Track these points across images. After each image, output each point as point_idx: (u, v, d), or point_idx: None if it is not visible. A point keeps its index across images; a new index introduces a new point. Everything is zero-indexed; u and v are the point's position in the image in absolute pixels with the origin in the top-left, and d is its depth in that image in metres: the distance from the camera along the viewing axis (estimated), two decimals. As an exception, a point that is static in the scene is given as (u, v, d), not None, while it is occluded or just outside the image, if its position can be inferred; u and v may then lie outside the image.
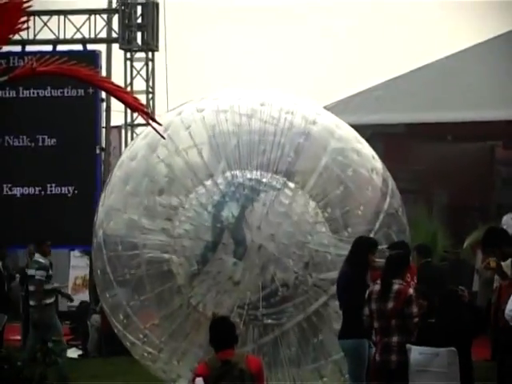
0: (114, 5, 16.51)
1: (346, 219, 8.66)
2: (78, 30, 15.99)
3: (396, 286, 6.84)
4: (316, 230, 8.44)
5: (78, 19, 16.26)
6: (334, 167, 8.65)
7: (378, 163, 9.21)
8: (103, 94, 14.27)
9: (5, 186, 15.00)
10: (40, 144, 14.95)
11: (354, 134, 9.28)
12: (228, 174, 8.62)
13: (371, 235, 8.32)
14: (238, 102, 8.88)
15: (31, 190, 15.08)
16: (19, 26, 5.80)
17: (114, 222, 9.16)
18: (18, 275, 15.20)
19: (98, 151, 15.15)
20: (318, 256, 8.45)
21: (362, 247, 7.83)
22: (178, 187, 8.76)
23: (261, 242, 8.14)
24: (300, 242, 8.28)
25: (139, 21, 16.20)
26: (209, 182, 8.54)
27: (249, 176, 8.51)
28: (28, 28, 7.65)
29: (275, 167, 8.44)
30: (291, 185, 8.49)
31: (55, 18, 15.95)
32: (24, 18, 5.80)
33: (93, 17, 16.39)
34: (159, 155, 8.74)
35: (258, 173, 8.49)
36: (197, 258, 8.48)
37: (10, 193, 15.29)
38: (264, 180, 8.48)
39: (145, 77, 16.67)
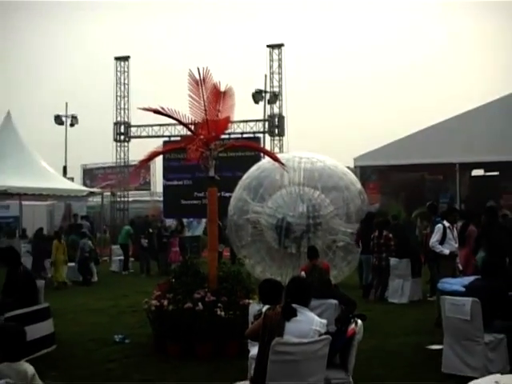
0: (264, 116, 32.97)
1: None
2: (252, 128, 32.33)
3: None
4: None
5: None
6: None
7: (358, 185, 18.46)
8: (261, 154, 25.20)
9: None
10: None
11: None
12: (291, 188, 17.69)
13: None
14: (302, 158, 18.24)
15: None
16: (226, 129, 11.51)
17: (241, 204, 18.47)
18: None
19: None
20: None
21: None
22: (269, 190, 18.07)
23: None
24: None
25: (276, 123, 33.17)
26: (281, 191, 17.79)
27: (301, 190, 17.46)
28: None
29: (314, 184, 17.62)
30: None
31: (242, 124, 32.07)
32: (229, 125, 11.64)
33: (260, 123, 32.70)
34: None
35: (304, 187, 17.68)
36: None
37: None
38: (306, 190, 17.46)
39: (278, 145, 33.35)
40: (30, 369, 5.01)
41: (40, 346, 9.97)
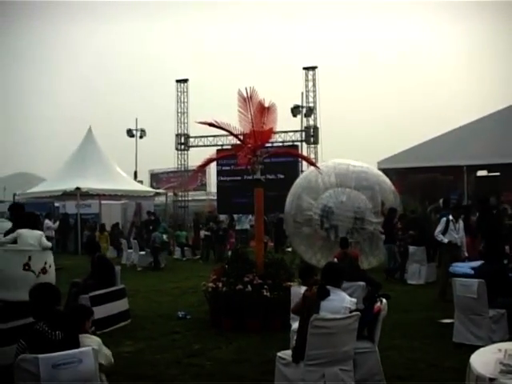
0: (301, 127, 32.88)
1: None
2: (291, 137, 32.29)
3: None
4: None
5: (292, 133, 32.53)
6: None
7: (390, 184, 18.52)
8: (299, 159, 27.36)
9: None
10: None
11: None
12: (333, 190, 17.86)
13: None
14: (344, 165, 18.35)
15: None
16: (270, 139, 11.54)
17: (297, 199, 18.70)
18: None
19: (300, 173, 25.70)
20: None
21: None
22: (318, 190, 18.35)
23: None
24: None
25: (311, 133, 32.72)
26: (326, 192, 17.97)
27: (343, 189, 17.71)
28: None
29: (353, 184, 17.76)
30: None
31: (282, 134, 32.01)
32: (272, 135, 11.62)
33: (298, 133, 32.58)
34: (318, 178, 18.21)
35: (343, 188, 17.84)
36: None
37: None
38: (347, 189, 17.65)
39: (314, 152, 33.08)
40: (96, 339, 5.07)
41: (118, 320, 10.16)
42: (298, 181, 19.98)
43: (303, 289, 6.59)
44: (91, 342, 4.81)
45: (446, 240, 12.95)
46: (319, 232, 17.84)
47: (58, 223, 22.88)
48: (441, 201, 16.75)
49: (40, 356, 4.12)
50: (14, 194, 30.19)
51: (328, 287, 5.85)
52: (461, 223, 13.26)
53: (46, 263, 8.14)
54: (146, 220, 26.64)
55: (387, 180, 18.92)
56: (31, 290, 4.84)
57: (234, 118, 10.87)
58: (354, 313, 5.74)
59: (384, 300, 6.51)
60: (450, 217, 13.11)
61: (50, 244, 8.83)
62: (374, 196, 17.93)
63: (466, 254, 13.23)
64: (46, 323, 4.50)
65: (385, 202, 17.63)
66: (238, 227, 29.99)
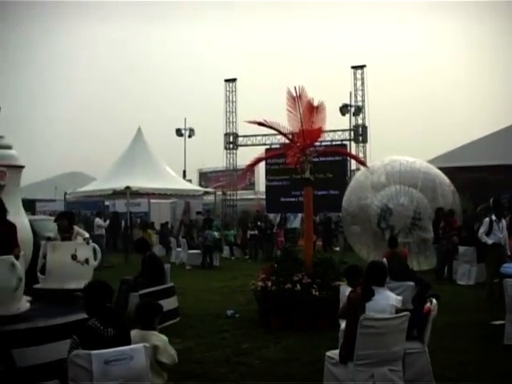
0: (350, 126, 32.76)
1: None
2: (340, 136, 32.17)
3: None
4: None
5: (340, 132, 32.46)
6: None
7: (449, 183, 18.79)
8: (348, 158, 27.79)
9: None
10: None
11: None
12: (391, 187, 18.15)
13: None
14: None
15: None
16: (319, 138, 11.55)
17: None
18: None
19: (347, 179, 26.62)
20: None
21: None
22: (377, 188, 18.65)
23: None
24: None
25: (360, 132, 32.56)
26: (388, 189, 18.24)
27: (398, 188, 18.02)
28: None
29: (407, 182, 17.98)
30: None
31: (331, 133, 31.89)
32: (321, 135, 11.60)
33: (346, 132, 32.50)
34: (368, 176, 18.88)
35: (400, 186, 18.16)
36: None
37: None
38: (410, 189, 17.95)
39: (362, 151, 32.76)
40: (163, 338, 5.12)
41: (167, 318, 10.18)
42: (355, 178, 20.01)
43: (349, 289, 6.56)
44: (157, 340, 4.88)
45: (490, 241, 12.84)
46: (375, 230, 17.77)
47: (108, 222, 23.18)
48: (491, 200, 16.52)
49: (93, 352, 4.21)
50: (65, 193, 30.77)
51: (372, 287, 5.84)
52: (504, 222, 13.15)
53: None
54: (202, 219, 26.67)
55: (447, 179, 18.88)
56: (85, 287, 4.94)
57: (283, 117, 10.90)
58: (404, 313, 5.70)
59: (434, 300, 6.45)
60: (493, 217, 13.01)
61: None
62: (435, 197, 17.97)
63: (509, 253, 13.05)
64: (99, 320, 4.59)
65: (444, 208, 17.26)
66: (287, 226, 30.04)
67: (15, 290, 6.67)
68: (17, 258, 6.80)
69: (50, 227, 10.17)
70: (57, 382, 4.77)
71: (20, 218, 8.11)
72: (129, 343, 4.60)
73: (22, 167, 8.38)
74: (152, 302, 5.68)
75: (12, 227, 7.24)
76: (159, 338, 5.03)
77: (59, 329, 6.51)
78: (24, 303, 7.02)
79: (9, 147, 8.45)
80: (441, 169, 19.61)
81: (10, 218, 7.50)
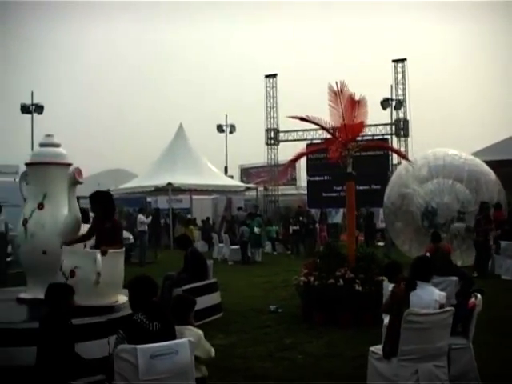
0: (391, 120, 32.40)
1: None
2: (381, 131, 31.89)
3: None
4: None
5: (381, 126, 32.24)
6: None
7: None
8: (390, 153, 27.56)
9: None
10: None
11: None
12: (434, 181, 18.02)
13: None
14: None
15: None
16: (361, 132, 11.50)
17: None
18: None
19: (388, 174, 25.73)
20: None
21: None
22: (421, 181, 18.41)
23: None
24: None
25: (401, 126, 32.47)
26: (431, 184, 18.19)
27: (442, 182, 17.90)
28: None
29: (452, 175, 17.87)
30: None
31: (372, 127, 31.74)
32: (363, 129, 11.67)
33: (388, 126, 32.15)
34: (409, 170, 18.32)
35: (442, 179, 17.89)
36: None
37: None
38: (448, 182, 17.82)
39: (404, 145, 32.84)
40: (198, 332, 5.15)
41: (210, 313, 10.30)
42: (397, 172, 19.85)
43: (391, 285, 6.52)
44: (191, 335, 4.92)
45: None
46: (418, 226, 17.62)
47: (150, 218, 23.42)
48: None
49: (138, 347, 4.25)
50: (108, 190, 31.05)
51: (417, 282, 5.79)
52: None
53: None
54: (243, 214, 26.67)
55: (492, 172, 18.61)
56: (129, 282, 4.99)
57: (324, 112, 10.88)
58: (449, 308, 5.64)
59: (479, 295, 6.37)
60: None
61: None
62: (479, 190, 17.75)
63: None
64: (144, 314, 4.64)
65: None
66: (328, 221, 29.95)
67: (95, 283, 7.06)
68: (103, 253, 7.18)
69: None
70: (103, 376, 4.82)
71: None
72: (174, 337, 4.64)
73: (70, 165, 8.53)
74: (186, 296, 5.73)
75: (116, 225, 7.82)
76: (194, 333, 5.05)
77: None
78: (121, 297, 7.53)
79: (57, 145, 8.66)
80: (485, 162, 19.31)
81: (60, 214, 7.96)
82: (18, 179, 9.92)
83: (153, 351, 4.25)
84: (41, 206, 8.31)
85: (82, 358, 5.02)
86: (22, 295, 8.43)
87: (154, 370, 4.24)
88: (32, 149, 30.20)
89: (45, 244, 8.13)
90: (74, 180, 7.95)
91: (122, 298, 7.46)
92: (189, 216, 30.30)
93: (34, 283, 8.21)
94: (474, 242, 16.23)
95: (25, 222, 8.28)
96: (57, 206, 8.38)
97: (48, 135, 8.79)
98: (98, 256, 7.10)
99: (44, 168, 8.50)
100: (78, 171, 7.99)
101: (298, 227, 24.42)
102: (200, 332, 5.13)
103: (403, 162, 17.45)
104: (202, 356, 5.00)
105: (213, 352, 5.16)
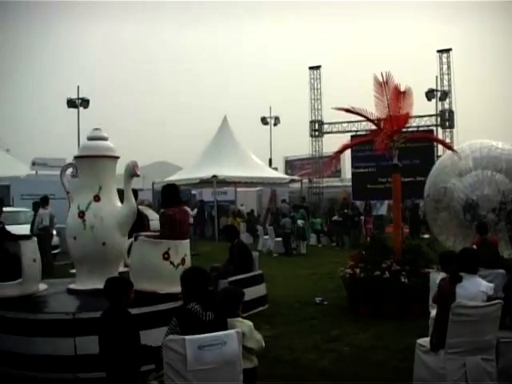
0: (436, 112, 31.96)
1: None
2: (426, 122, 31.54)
3: None
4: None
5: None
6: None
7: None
8: (435, 144, 28.08)
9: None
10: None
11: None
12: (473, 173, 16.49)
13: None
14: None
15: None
16: (406, 124, 11.21)
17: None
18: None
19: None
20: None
21: None
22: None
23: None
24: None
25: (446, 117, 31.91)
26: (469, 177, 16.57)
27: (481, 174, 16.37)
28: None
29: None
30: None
31: (417, 119, 31.37)
32: (409, 120, 11.47)
33: (433, 117, 31.79)
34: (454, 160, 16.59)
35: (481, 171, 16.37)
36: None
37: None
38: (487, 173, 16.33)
39: (449, 136, 32.37)
40: (248, 323, 5.18)
41: (256, 304, 10.35)
42: (439, 163, 19.51)
43: (442, 275, 6.46)
44: (243, 327, 4.96)
45: None
46: (460, 219, 17.35)
47: (195, 210, 23.58)
48: None
49: (187, 337, 4.29)
50: (153, 183, 31.47)
51: (462, 274, 5.71)
52: None
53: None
54: (286, 207, 26.68)
55: None
56: (185, 272, 5.02)
57: (368, 104, 10.83)
58: (497, 301, 5.57)
59: (528, 288, 6.28)
60: None
61: None
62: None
63: None
64: (199, 304, 4.68)
65: None
66: (373, 213, 29.78)
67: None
68: None
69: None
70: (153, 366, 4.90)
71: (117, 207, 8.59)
72: (225, 328, 4.67)
73: (118, 158, 8.68)
74: (234, 288, 5.75)
75: (165, 217, 7.99)
76: (244, 324, 5.08)
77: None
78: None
79: (105, 139, 8.80)
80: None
81: (115, 206, 8.39)
82: (66, 172, 10.06)
83: (201, 342, 4.28)
84: (97, 198, 8.46)
85: (150, 346, 5.08)
86: (73, 286, 8.59)
87: (202, 361, 4.27)
88: (79, 143, 30.76)
89: (104, 236, 8.32)
90: (133, 172, 8.15)
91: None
92: (240, 207, 30.42)
93: (89, 275, 8.36)
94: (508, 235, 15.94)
95: (81, 214, 8.38)
96: (111, 198, 8.58)
97: (96, 129, 8.93)
98: None
99: (98, 161, 8.62)
100: (136, 164, 8.19)
101: (341, 218, 24.31)
102: (250, 323, 5.16)
103: (447, 152, 17.10)
104: (254, 347, 5.04)
105: (263, 343, 5.20)
